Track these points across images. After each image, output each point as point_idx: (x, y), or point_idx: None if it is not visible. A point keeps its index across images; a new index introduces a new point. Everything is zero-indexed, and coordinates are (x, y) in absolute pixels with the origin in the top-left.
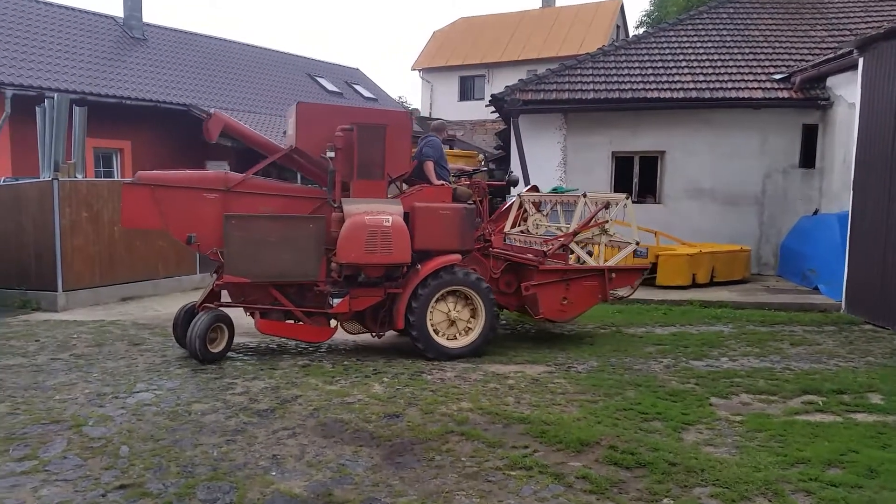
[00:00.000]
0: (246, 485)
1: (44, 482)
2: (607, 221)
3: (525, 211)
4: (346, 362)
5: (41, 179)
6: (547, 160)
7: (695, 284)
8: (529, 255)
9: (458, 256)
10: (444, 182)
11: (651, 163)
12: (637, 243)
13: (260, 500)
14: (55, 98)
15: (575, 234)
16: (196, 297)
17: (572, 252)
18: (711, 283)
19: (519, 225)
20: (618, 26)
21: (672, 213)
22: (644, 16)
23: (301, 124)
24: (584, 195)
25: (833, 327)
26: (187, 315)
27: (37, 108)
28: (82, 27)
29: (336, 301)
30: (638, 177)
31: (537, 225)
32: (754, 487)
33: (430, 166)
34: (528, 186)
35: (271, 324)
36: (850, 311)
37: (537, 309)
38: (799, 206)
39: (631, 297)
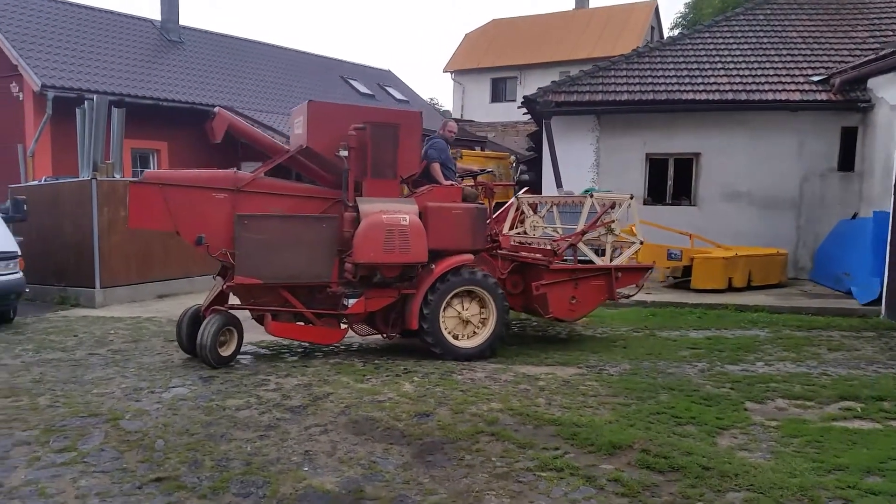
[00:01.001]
0: (279, 479)
1: (82, 473)
2: (613, 221)
3: (522, 213)
4: (376, 361)
5: (80, 179)
6: (579, 162)
7: (731, 288)
8: (538, 255)
9: (470, 256)
10: (452, 182)
11: (686, 165)
12: (641, 242)
13: (292, 495)
14: (94, 100)
15: (583, 233)
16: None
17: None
18: (748, 287)
19: (516, 227)
20: (652, 28)
21: (707, 216)
22: (679, 17)
23: (312, 123)
24: (591, 195)
25: (872, 333)
26: (191, 319)
27: (77, 110)
28: (121, 30)
29: (351, 302)
30: (672, 179)
31: (534, 227)
32: (789, 493)
33: (436, 167)
34: (560, 188)
35: (283, 326)
36: (891, 316)
37: (547, 308)
38: (837, 209)
39: (634, 296)
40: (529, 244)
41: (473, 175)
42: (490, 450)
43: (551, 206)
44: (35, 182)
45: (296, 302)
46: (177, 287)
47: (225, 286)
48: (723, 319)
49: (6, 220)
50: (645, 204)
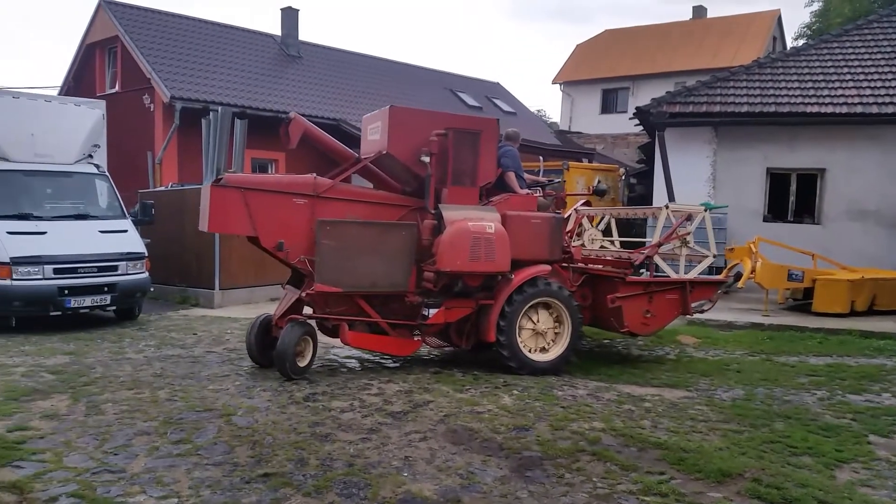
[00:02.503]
0: (379, 483)
1: (196, 465)
2: (689, 233)
3: (581, 225)
4: (475, 372)
5: (204, 185)
6: (693, 175)
7: (853, 312)
8: (610, 268)
9: (547, 267)
10: (528, 192)
11: (809, 181)
12: (714, 256)
13: (392, 499)
14: (219, 111)
15: (659, 245)
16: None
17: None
18: (872, 312)
19: (573, 239)
20: (774, 38)
21: (831, 235)
22: (804, 27)
23: (393, 129)
24: (667, 206)
25: None
26: (262, 327)
27: (202, 120)
28: (245, 45)
29: (432, 312)
30: (794, 195)
31: (592, 240)
32: None
33: (511, 176)
34: (672, 202)
35: (360, 336)
36: None
37: (622, 322)
38: None
39: (711, 309)
40: (597, 256)
41: (542, 185)
42: (591, 469)
43: (611, 218)
44: (162, 188)
45: (372, 311)
46: None
47: (305, 294)
48: (845, 345)
49: (135, 223)
50: (765, 221)
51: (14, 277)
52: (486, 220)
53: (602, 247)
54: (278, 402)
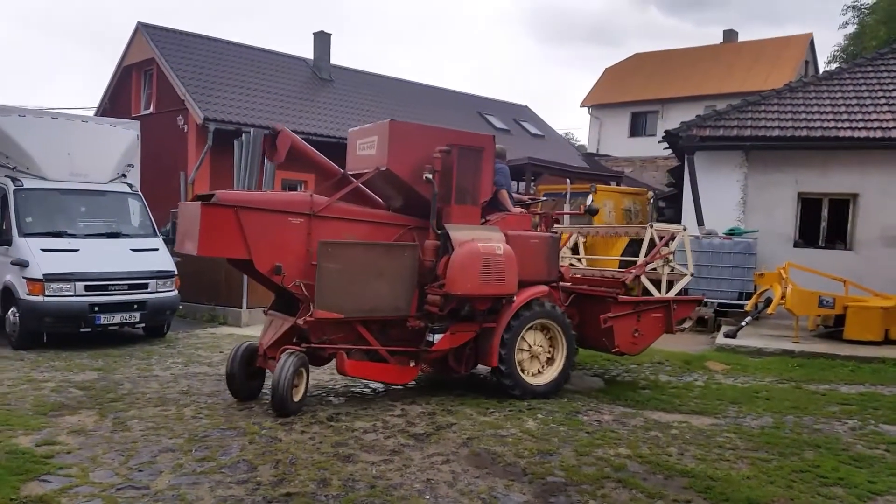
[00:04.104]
0: None
1: (219, 483)
2: (672, 253)
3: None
4: (499, 394)
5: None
6: (723, 199)
7: (887, 340)
8: (602, 288)
9: (546, 288)
10: (522, 211)
11: (841, 206)
12: (692, 275)
13: None
14: (251, 133)
15: (646, 264)
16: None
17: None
18: None
19: None
20: (807, 62)
21: (864, 262)
22: (837, 50)
23: (394, 144)
24: (651, 226)
25: None
26: (246, 357)
27: (234, 142)
28: (277, 68)
29: (437, 337)
30: (826, 220)
31: (561, 258)
32: None
33: (504, 195)
34: (701, 226)
35: (359, 365)
36: None
37: (613, 342)
38: None
39: (686, 329)
40: (583, 276)
41: (526, 205)
42: (616, 496)
43: (578, 236)
44: None
45: (371, 339)
46: None
47: (303, 322)
48: (878, 374)
49: (166, 242)
50: (795, 246)
51: (46, 294)
52: (493, 241)
53: (571, 265)
54: (302, 422)
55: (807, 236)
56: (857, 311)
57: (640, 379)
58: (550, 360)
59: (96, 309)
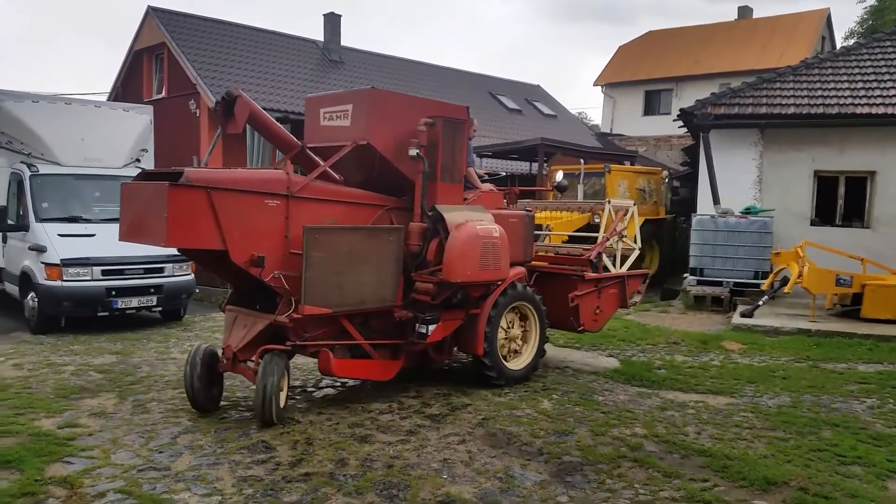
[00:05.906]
0: (418, 485)
1: (238, 463)
2: (626, 228)
3: None
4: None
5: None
6: (739, 177)
7: None
8: (565, 266)
9: (523, 269)
10: (492, 188)
11: (859, 184)
12: (640, 249)
13: (431, 501)
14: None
15: (607, 240)
16: None
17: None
18: None
19: None
20: (823, 38)
21: (882, 240)
22: (856, 25)
23: (374, 116)
24: (609, 202)
25: None
26: (208, 361)
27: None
28: (287, 51)
29: (432, 328)
30: (843, 198)
31: None
32: None
33: (472, 172)
34: (717, 205)
35: (346, 363)
36: None
37: (579, 320)
38: None
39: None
40: (544, 253)
41: (495, 180)
42: (632, 476)
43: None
44: None
45: (356, 333)
46: None
47: (287, 319)
48: None
49: None
50: (812, 224)
51: (64, 278)
52: (486, 222)
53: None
54: (319, 403)
55: (823, 215)
56: (875, 290)
57: (656, 359)
58: (524, 343)
59: (113, 293)
